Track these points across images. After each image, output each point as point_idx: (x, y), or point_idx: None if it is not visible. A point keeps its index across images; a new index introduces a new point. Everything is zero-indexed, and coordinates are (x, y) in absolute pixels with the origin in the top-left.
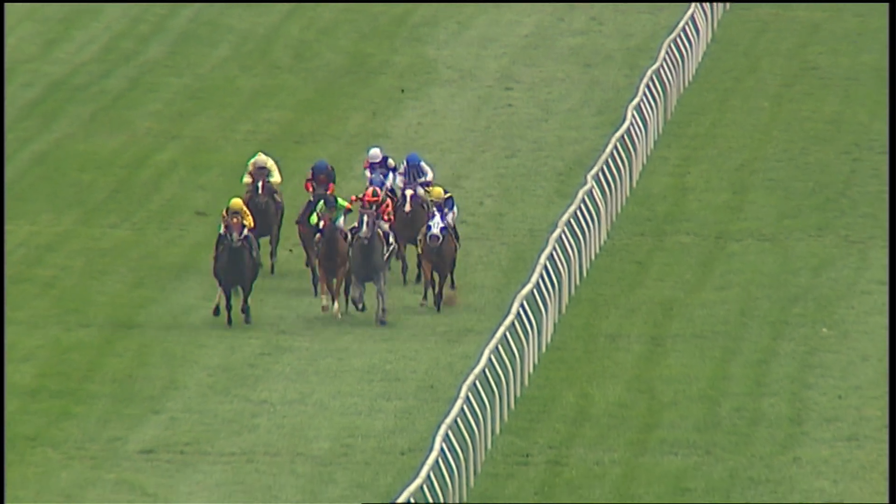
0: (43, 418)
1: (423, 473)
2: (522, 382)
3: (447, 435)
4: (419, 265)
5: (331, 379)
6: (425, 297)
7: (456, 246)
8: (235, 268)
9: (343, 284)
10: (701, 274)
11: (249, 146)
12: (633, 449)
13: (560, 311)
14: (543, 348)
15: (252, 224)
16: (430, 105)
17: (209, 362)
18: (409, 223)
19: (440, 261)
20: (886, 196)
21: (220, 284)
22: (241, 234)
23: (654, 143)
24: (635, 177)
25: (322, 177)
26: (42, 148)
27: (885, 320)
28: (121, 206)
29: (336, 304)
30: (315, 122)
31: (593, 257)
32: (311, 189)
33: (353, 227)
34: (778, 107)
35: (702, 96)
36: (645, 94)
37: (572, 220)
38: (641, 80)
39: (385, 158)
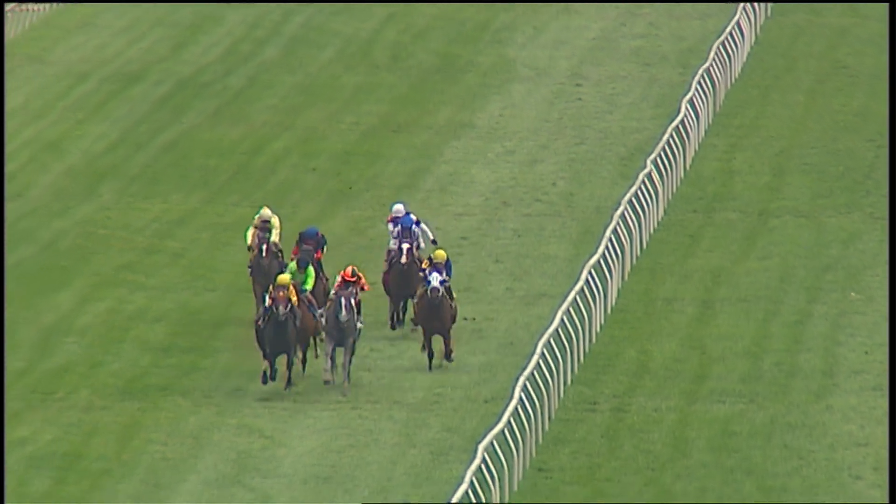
0: (173, 371)
1: (504, 419)
2: (590, 340)
3: (525, 385)
4: (414, 322)
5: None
6: (430, 365)
7: (452, 305)
8: (281, 338)
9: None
10: (745, 246)
11: (352, 135)
12: (686, 398)
13: (623, 278)
14: (608, 310)
15: (296, 300)
16: (510, 99)
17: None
18: (405, 277)
19: (437, 320)
20: None
21: (265, 355)
22: (287, 307)
23: (705, 132)
24: (688, 161)
25: (311, 243)
26: (172, 137)
27: None
28: (241, 187)
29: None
30: (409, 114)
31: (652, 231)
32: (296, 254)
33: (323, 310)
34: (812, 101)
35: (746, 92)
36: (696, 89)
37: (633, 199)
38: (693, 77)
39: (408, 214)
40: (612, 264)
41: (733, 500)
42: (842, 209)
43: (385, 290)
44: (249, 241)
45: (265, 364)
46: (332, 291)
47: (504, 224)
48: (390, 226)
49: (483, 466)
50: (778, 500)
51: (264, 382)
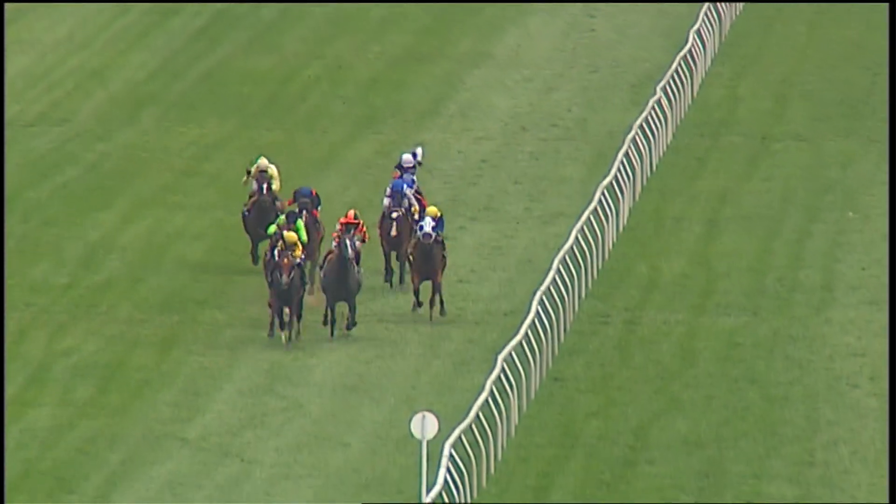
0: (210, 286)
1: (522, 331)
2: (603, 257)
3: (542, 300)
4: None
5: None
6: (416, 306)
7: (444, 255)
8: (286, 297)
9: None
10: (749, 168)
11: (379, 64)
12: (693, 311)
13: (634, 199)
14: (620, 229)
15: (301, 253)
16: (527, 30)
17: None
18: (397, 242)
19: (429, 266)
20: None
21: (272, 308)
22: (290, 275)
23: (711, 61)
24: (695, 89)
25: (305, 200)
26: (208, 66)
27: None
28: (273, 113)
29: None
30: (432, 45)
31: (661, 154)
32: (298, 211)
33: (323, 261)
34: (812, 31)
35: (750, 23)
36: (703, 20)
37: (644, 125)
38: (700, 9)
39: (415, 164)
40: (623, 186)
41: (738, 407)
42: (840, 133)
43: (381, 243)
44: (250, 184)
45: (272, 315)
46: (333, 237)
47: (522, 148)
48: (388, 189)
49: (502, 376)
50: (780, 407)
51: (271, 335)
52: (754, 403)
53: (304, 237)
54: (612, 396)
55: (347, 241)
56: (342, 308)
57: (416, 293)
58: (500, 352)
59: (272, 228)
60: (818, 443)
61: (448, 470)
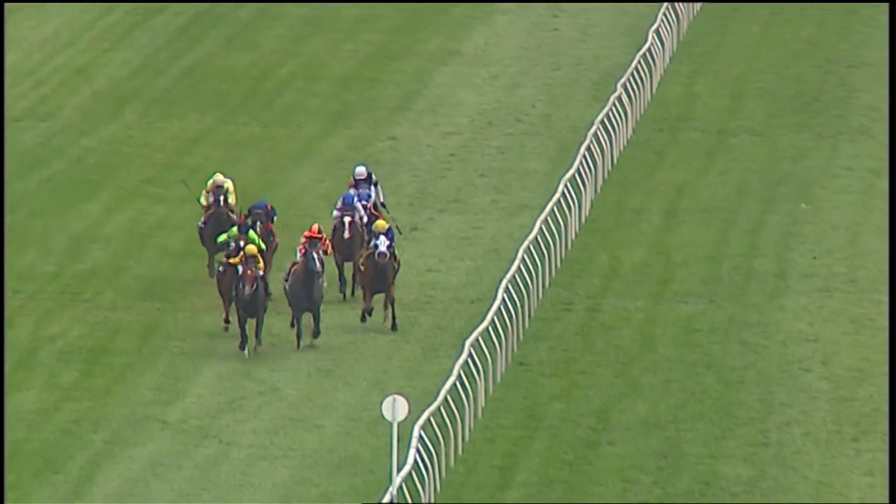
0: (190, 274)
1: (489, 317)
2: (566, 247)
3: (508, 287)
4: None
5: (415, 244)
6: (364, 317)
7: (395, 266)
8: (251, 306)
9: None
10: (706, 162)
11: (352, 62)
12: (652, 298)
13: (596, 191)
14: (583, 220)
15: (264, 268)
16: (494, 29)
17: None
18: (348, 245)
19: (382, 280)
20: (852, 100)
21: (238, 316)
22: (253, 286)
23: (670, 59)
24: (654, 86)
25: (260, 213)
26: (189, 63)
27: (850, 198)
28: (251, 108)
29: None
30: (403, 43)
31: (622, 149)
32: (242, 220)
33: (287, 273)
34: (766, 31)
35: (707, 22)
36: (662, 20)
37: (605, 120)
38: (660, 9)
39: (370, 175)
40: (585, 179)
41: (695, 390)
42: (793, 128)
43: (333, 254)
44: (203, 202)
45: (229, 322)
46: (299, 250)
47: (488, 142)
48: (350, 190)
49: (469, 360)
50: (735, 390)
51: (242, 348)
52: (711, 387)
53: (261, 246)
54: (574, 380)
55: (314, 255)
56: (307, 319)
57: (366, 309)
58: (467, 337)
59: (222, 237)
60: (772, 424)
61: (418, 450)
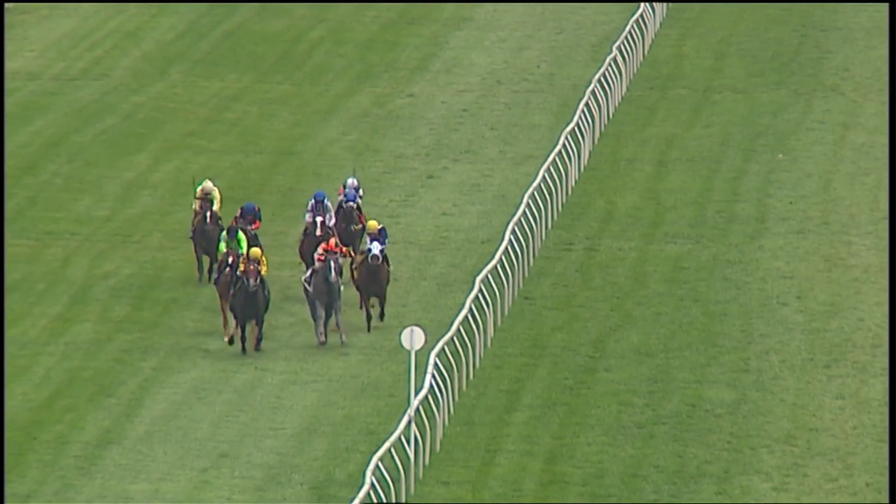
0: (229, 218)
1: (497, 256)
2: (567, 193)
3: (514, 230)
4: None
5: (431, 190)
6: (368, 319)
7: (388, 271)
8: (250, 306)
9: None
10: (692, 116)
11: (375, 26)
12: (644, 239)
13: (594, 143)
14: (582, 169)
15: (265, 271)
16: None
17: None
18: (319, 244)
19: (375, 284)
20: (825, 61)
21: (236, 318)
22: (256, 280)
23: (660, 24)
24: (647, 48)
25: (249, 216)
26: (228, 28)
27: (823, 149)
28: (284, 69)
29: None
30: (421, 10)
31: (617, 104)
32: (234, 223)
33: (309, 275)
34: None
35: None
36: None
37: (602, 79)
38: None
39: (358, 187)
40: (584, 131)
41: (683, 322)
42: (771, 86)
43: (301, 257)
44: (195, 207)
45: (234, 328)
46: (317, 264)
47: (497, 99)
48: (339, 196)
49: (480, 295)
50: (719, 322)
51: (231, 343)
52: (697, 319)
53: (245, 249)
54: (574, 313)
55: (332, 263)
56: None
57: (368, 313)
58: (477, 274)
59: (222, 247)
60: (752, 353)
61: (433, 376)
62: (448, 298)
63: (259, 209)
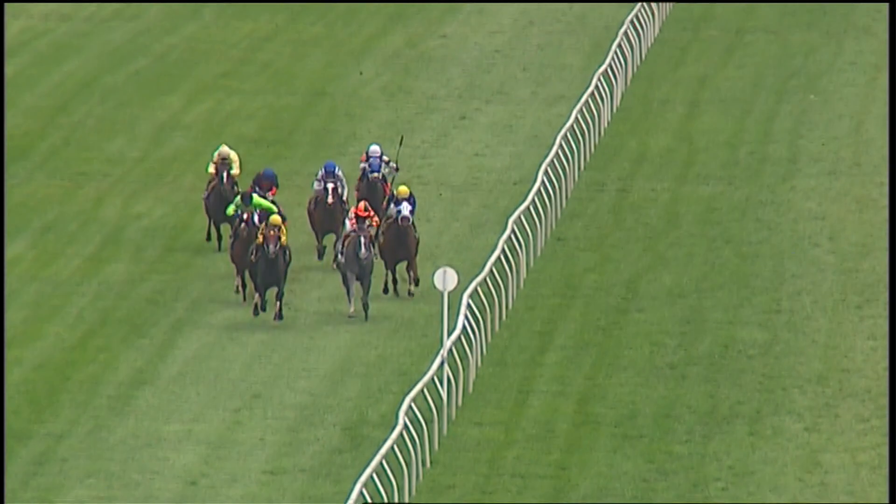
0: (262, 159)
1: (530, 197)
2: (599, 134)
3: (547, 171)
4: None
5: (464, 131)
6: (387, 288)
7: (417, 238)
8: (271, 273)
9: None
10: (725, 57)
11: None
12: (677, 181)
13: (626, 84)
14: (614, 110)
15: (285, 238)
16: None
17: (380, 119)
18: (329, 215)
19: (403, 248)
20: (857, 2)
21: (256, 288)
22: (276, 245)
23: None
24: None
25: (265, 183)
26: None
27: (855, 90)
28: (317, 9)
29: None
30: None
31: (650, 45)
32: (251, 190)
33: (340, 245)
34: None
35: None
36: None
37: (635, 19)
38: None
39: (382, 154)
40: (617, 72)
41: (715, 263)
42: (803, 27)
43: (311, 226)
44: (211, 170)
45: (256, 296)
46: (348, 228)
47: (530, 40)
48: (362, 164)
49: (512, 236)
50: (751, 263)
51: (255, 314)
52: (729, 260)
53: (272, 209)
54: (606, 254)
55: (362, 239)
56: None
57: (394, 277)
58: (510, 215)
59: (231, 209)
60: (784, 293)
61: (466, 317)
62: (481, 239)
63: (276, 175)
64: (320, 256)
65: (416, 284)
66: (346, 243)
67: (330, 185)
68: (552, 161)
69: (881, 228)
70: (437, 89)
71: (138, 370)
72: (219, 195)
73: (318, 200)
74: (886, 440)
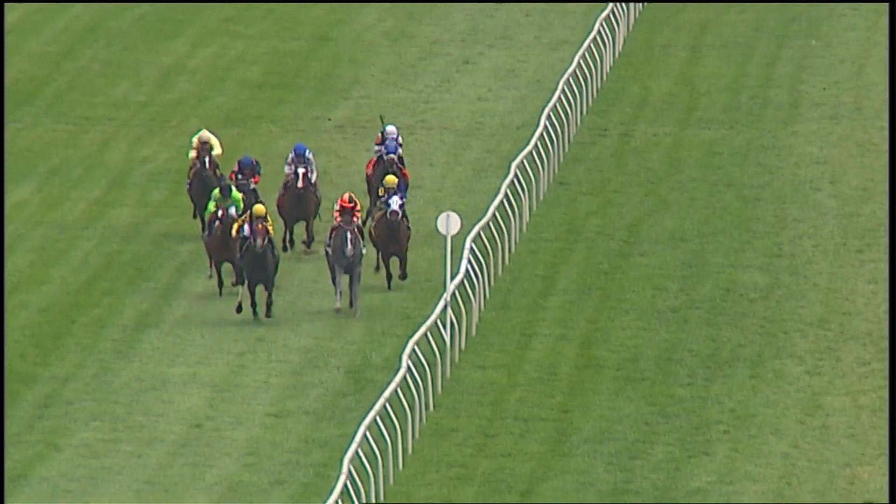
0: (266, 104)
1: (533, 142)
2: (601, 78)
3: (550, 115)
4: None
5: (467, 75)
6: (388, 278)
7: (409, 229)
8: (259, 268)
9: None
10: (727, 2)
11: None
12: (679, 125)
13: (628, 28)
14: (616, 55)
15: (272, 231)
16: None
17: (384, 64)
18: (298, 202)
19: (395, 242)
20: None
21: (244, 283)
22: (265, 239)
23: None
24: None
25: (247, 171)
26: None
27: (856, 35)
28: None
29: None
30: None
31: None
32: (233, 179)
33: (329, 237)
34: None
35: None
36: None
37: None
38: None
39: (398, 136)
40: (619, 17)
41: (717, 207)
42: None
43: (279, 213)
44: (193, 154)
45: (241, 292)
46: (334, 221)
47: None
48: (376, 146)
49: (515, 180)
50: (753, 207)
51: (238, 311)
52: (731, 204)
53: (241, 207)
54: (609, 198)
55: (348, 235)
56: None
57: (388, 270)
58: (513, 160)
59: (211, 206)
60: (785, 237)
61: (469, 261)
62: (483, 184)
63: (257, 162)
64: (285, 247)
65: (404, 279)
66: (332, 236)
67: (301, 170)
68: (555, 105)
69: (882, 173)
70: (441, 34)
71: (143, 313)
72: (202, 180)
73: (288, 185)
74: (887, 383)
